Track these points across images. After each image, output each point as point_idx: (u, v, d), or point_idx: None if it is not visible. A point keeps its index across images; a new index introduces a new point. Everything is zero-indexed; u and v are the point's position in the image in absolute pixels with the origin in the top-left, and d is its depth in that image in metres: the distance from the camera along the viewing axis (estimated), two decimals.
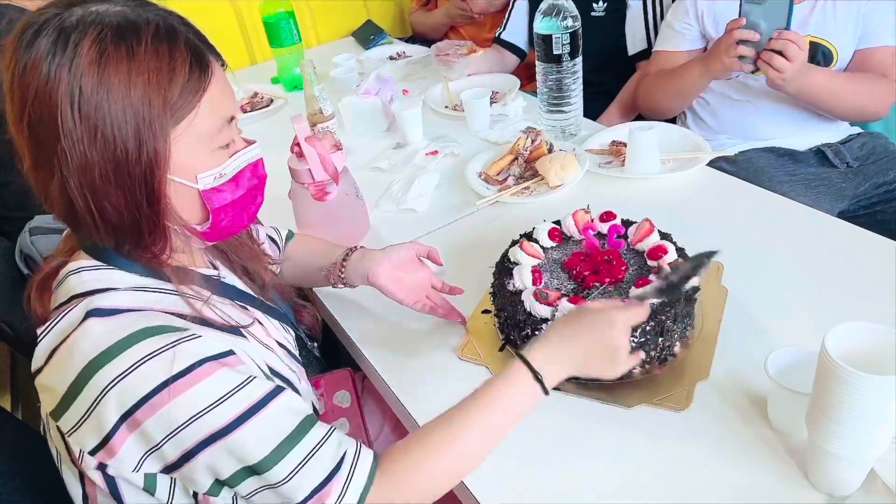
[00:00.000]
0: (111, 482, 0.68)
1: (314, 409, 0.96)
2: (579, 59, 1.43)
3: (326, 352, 1.14)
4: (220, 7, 2.33)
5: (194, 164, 0.71)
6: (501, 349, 0.96)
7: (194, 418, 0.63)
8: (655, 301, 0.80)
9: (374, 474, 0.69)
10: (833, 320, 0.65)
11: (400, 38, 2.45)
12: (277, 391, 0.69)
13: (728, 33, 1.33)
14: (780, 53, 1.26)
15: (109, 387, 0.62)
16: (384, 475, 0.69)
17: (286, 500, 0.67)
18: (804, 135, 1.50)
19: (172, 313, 0.69)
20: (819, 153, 1.50)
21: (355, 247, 1.04)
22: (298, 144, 1.13)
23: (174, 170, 0.70)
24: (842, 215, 1.34)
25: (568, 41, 1.38)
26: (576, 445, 0.80)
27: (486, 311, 1.03)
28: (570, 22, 1.37)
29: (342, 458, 0.68)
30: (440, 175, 1.44)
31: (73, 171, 0.65)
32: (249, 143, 0.79)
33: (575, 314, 0.77)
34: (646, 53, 1.78)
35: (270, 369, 0.78)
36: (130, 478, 0.67)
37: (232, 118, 0.74)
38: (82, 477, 0.72)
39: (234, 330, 0.76)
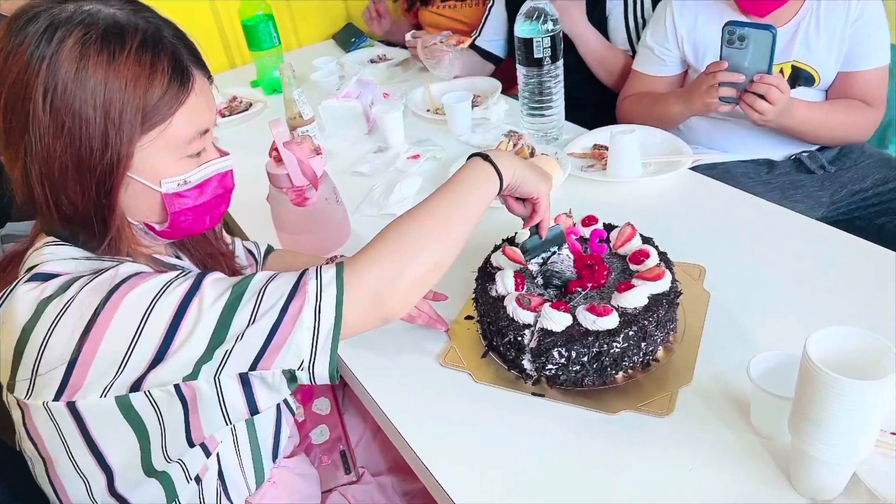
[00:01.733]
0: (82, 426, 0.66)
1: (291, 411, 0.95)
2: (560, 63, 1.43)
3: None
4: (198, 10, 2.30)
5: (161, 169, 0.73)
6: (484, 356, 0.95)
7: (148, 311, 0.64)
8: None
9: (342, 265, 0.70)
10: (815, 324, 0.65)
11: (381, 41, 2.43)
12: (206, 273, 0.70)
13: (709, 74, 1.32)
14: (761, 97, 1.26)
15: (50, 329, 0.63)
16: (355, 261, 0.71)
17: (266, 324, 0.66)
18: (782, 147, 1.51)
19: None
20: (796, 160, 1.51)
21: (334, 256, 1.03)
22: (277, 149, 1.11)
23: (139, 172, 0.71)
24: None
25: (549, 45, 1.38)
26: (560, 452, 0.79)
27: (468, 318, 1.02)
28: (550, 25, 1.37)
29: (301, 275, 0.70)
30: (422, 179, 1.42)
31: (35, 160, 0.67)
32: (223, 153, 0.80)
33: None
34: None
35: None
36: (102, 408, 0.65)
37: (206, 130, 0.75)
38: (42, 457, 0.71)
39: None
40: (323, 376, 0.69)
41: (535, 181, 0.85)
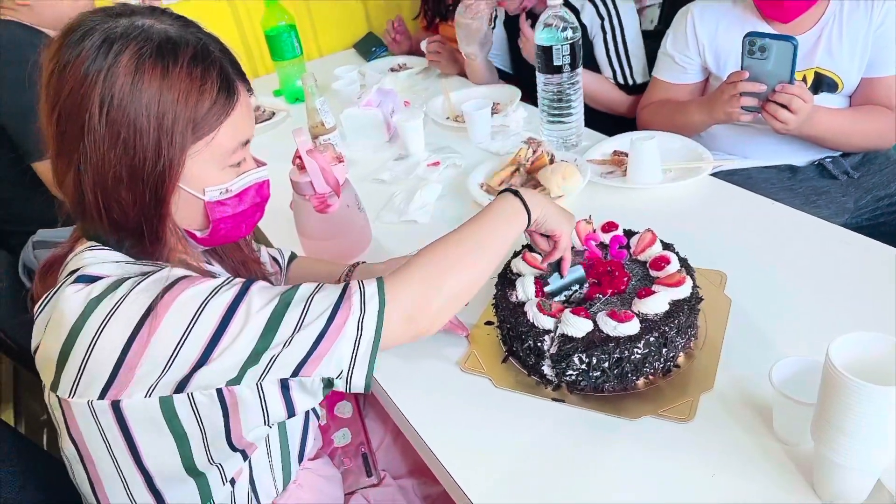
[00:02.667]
0: (124, 427, 0.68)
1: (316, 414, 0.97)
2: (580, 70, 1.44)
3: None
4: (222, 20, 2.35)
5: (205, 178, 0.76)
6: (504, 360, 0.95)
7: (199, 311, 0.66)
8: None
9: (383, 283, 0.73)
10: (837, 330, 0.65)
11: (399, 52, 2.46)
12: (252, 281, 0.72)
13: (731, 84, 1.32)
14: (783, 106, 1.26)
15: (101, 328, 0.65)
16: (394, 282, 0.74)
17: (312, 333, 0.68)
18: (805, 153, 1.50)
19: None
20: (819, 166, 1.49)
21: (357, 262, 1.05)
22: (300, 157, 1.13)
23: (185, 180, 0.74)
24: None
25: (568, 52, 1.39)
26: (580, 457, 0.80)
27: (488, 323, 1.03)
28: (569, 33, 1.38)
29: (346, 287, 0.72)
30: (442, 186, 1.44)
31: (89, 168, 0.69)
32: (260, 164, 0.84)
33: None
34: (624, 88, 1.78)
35: None
36: (146, 409, 0.67)
37: (247, 141, 0.79)
38: (82, 458, 0.73)
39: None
40: (359, 385, 0.71)
41: (558, 219, 0.89)
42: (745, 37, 1.27)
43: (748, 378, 0.85)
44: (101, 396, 0.66)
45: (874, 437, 0.61)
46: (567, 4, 1.73)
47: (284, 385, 0.70)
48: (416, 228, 1.32)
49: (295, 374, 0.69)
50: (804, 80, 1.41)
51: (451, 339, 1.01)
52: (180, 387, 0.66)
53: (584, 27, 1.74)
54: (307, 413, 0.93)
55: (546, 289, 0.94)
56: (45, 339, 0.69)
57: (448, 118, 1.78)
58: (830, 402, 0.61)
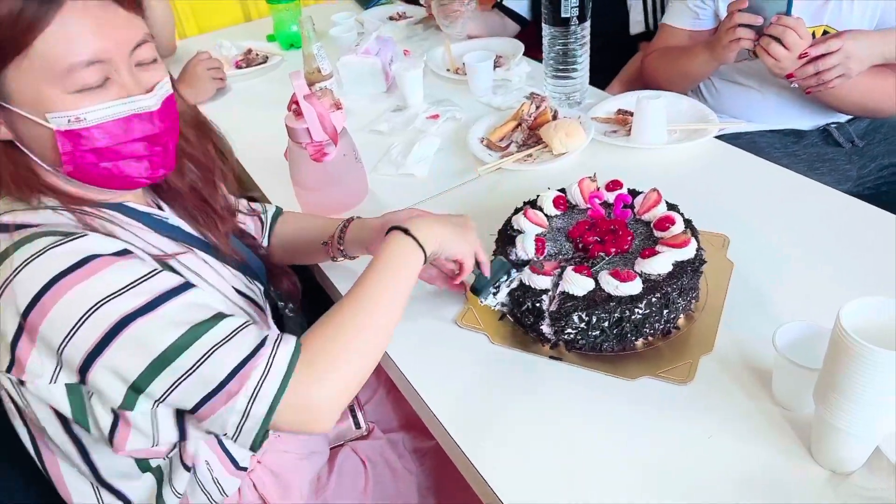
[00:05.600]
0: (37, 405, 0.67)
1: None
2: (587, 24, 1.39)
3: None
4: None
5: (42, 101, 0.66)
6: (501, 318, 0.94)
7: (89, 313, 0.61)
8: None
9: (296, 360, 0.66)
10: (838, 296, 0.64)
11: None
12: (187, 286, 0.67)
13: (729, 15, 1.28)
14: (778, 40, 1.21)
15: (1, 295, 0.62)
16: (305, 364, 0.67)
17: (202, 389, 0.64)
18: (811, 117, 1.47)
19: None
20: (824, 132, 1.47)
21: (351, 218, 1.00)
22: (296, 102, 1.09)
23: (18, 102, 0.66)
24: None
25: (576, 4, 1.34)
26: (576, 415, 0.79)
27: None
28: None
29: (262, 342, 0.66)
30: (441, 140, 1.40)
31: None
32: (150, 90, 0.72)
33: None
34: (646, 35, 1.74)
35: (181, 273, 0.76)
36: (51, 394, 0.66)
37: (99, 60, 0.67)
38: (23, 417, 0.73)
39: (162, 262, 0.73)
40: (245, 446, 0.68)
41: (457, 243, 0.83)
42: None
43: (748, 342, 0.84)
44: (8, 370, 0.65)
45: (878, 403, 0.60)
46: None
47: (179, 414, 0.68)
48: (414, 182, 1.29)
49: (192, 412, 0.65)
50: (813, 36, 1.37)
51: (448, 296, 0.99)
52: (78, 376, 0.65)
53: None
54: None
55: (473, 288, 0.90)
56: None
57: (448, 70, 1.73)
58: (837, 366, 0.61)
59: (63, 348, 0.62)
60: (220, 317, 0.67)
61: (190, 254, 0.79)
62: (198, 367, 0.63)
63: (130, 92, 0.70)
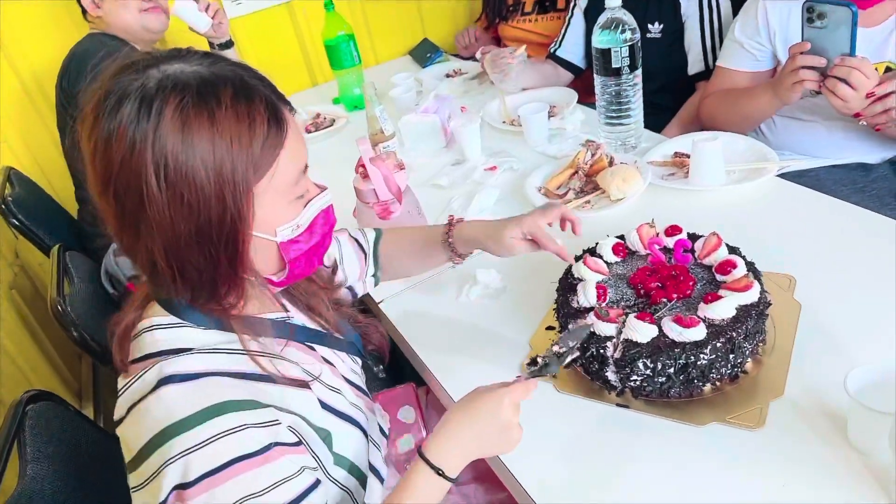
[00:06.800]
0: None
1: (382, 431, 0.98)
2: (639, 72, 1.43)
3: (390, 366, 1.17)
4: (283, 32, 2.42)
5: (274, 218, 0.72)
6: (567, 366, 0.95)
7: (248, 499, 0.65)
8: (542, 376, 0.81)
9: None
10: None
11: (455, 56, 2.48)
12: (314, 487, 0.71)
13: (792, 58, 1.28)
14: (844, 81, 1.21)
15: (177, 457, 0.64)
16: None
17: None
18: (878, 149, 1.44)
19: (242, 373, 0.71)
20: (894, 164, 1.43)
21: (450, 222, 1.07)
22: (363, 166, 1.16)
23: (256, 226, 0.71)
24: None
25: (627, 54, 1.38)
26: (645, 463, 0.80)
27: (549, 328, 1.04)
28: (628, 35, 1.37)
29: None
30: (499, 190, 1.45)
31: (157, 237, 0.66)
32: (322, 188, 0.79)
33: (467, 400, 0.77)
34: (704, 74, 1.75)
35: (335, 411, 0.81)
36: None
37: (306, 167, 0.75)
38: None
39: (301, 383, 0.78)
40: None
41: (490, 452, 0.79)
42: (803, 4, 1.23)
43: (820, 385, 0.83)
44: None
45: None
46: None
47: None
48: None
49: None
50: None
51: (511, 342, 1.02)
52: None
53: (678, 6, 1.74)
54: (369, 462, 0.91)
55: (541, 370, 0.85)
56: (130, 423, 0.69)
57: (504, 122, 1.79)
58: None
59: None
60: None
61: (321, 364, 0.84)
62: None
63: (315, 192, 0.78)
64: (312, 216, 0.77)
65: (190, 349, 0.71)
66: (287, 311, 0.87)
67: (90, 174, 0.68)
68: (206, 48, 1.93)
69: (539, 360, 0.83)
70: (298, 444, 0.73)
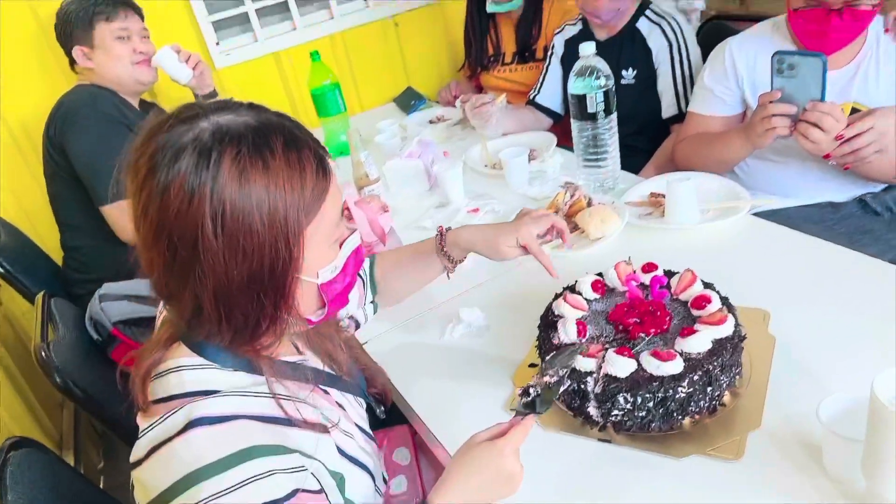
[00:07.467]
0: None
1: (383, 477, 0.98)
2: (614, 115, 1.48)
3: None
4: (270, 82, 2.49)
5: (317, 261, 0.74)
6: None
7: None
8: (539, 412, 0.81)
9: None
10: (885, 365, 0.65)
11: (438, 103, 2.55)
12: None
13: (762, 106, 1.33)
14: (815, 125, 1.26)
15: (205, 501, 0.64)
16: None
17: None
18: (846, 188, 1.49)
19: (268, 418, 0.72)
20: (861, 202, 1.48)
21: (442, 230, 1.11)
22: (348, 208, 1.19)
23: (302, 270, 0.73)
24: None
25: (602, 100, 1.43)
26: (628, 497, 0.80)
27: (532, 365, 1.05)
28: (602, 81, 1.43)
29: None
30: None
31: (209, 283, 0.67)
32: (352, 230, 0.81)
33: (465, 450, 0.78)
34: (678, 117, 1.82)
35: (349, 456, 0.82)
36: None
37: (344, 208, 0.79)
38: None
39: (320, 427, 0.78)
40: None
41: (495, 499, 0.78)
42: (773, 56, 1.28)
43: (796, 415, 0.84)
44: None
45: None
46: (633, 30, 1.82)
47: None
48: (459, 272, 1.35)
49: None
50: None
51: (495, 380, 1.03)
52: None
53: (650, 53, 1.81)
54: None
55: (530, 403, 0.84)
56: (152, 465, 0.68)
57: (486, 166, 1.83)
58: (877, 437, 0.62)
59: None
60: None
61: (336, 408, 0.85)
62: None
63: (347, 233, 0.80)
64: (346, 256, 0.79)
65: (218, 391, 0.71)
66: (301, 353, 0.87)
67: (140, 226, 0.68)
68: (191, 98, 1.98)
69: (531, 391, 0.83)
70: (320, 491, 0.73)
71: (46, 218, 1.97)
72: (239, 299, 0.69)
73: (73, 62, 1.82)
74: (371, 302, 1.13)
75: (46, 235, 2.08)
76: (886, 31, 1.39)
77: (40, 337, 1.22)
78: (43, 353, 1.15)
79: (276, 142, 0.68)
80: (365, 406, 0.98)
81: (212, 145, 0.66)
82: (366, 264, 1.14)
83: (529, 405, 0.82)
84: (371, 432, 0.95)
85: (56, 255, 1.95)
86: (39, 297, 1.37)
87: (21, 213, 2.19)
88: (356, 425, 0.89)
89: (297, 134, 0.71)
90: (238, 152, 0.66)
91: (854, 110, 1.42)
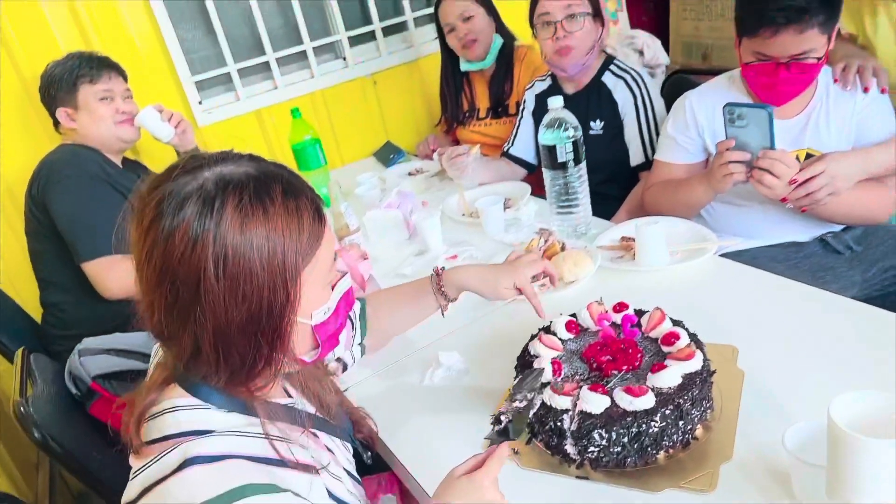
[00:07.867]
0: None
1: None
2: (583, 164, 1.54)
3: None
4: (252, 137, 2.54)
5: (312, 303, 0.77)
6: (528, 442, 0.98)
7: None
8: (513, 438, 0.84)
9: None
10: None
11: (416, 156, 2.62)
12: None
13: (719, 154, 1.41)
14: (768, 171, 1.33)
15: None
16: None
17: None
18: (808, 229, 1.56)
19: (261, 458, 0.73)
20: (822, 241, 1.54)
21: (436, 271, 1.16)
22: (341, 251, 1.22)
23: (298, 311, 0.75)
24: None
25: (571, 149, 1.50)
26: None
27: None
28: (571, 132, 1.50)
29: None
30: None
31: (208, 325, 0.70)
32: (343, 273, 0.85)
33: (446, 486, 0.80)
34: (646, 165, 1.89)
35: (338, 499, 0.82)
36: None
37: (336, 252, 0.81)
38: None
39: (312, 469, 0.79)
40: None
41: None
42: (724, 107, 1.36)
43: (766, 446, 0.87)
44: None
45: (880, 492, 0.63)
46: (599, 84, 1.91)
47: None
48: (437, 317, 1.38)
49: None
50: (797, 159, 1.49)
51: (474, 420, 1.04)
52: None
53: (616, 105, 1.90)
54: None
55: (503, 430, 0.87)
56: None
57: (463, 214, 1.88)
58: (838, 461, 0.64)
59: None
60: None
61: (325, 451, 0.86)
62: None
63: (338, 276, 0.83)
64: (338, 298, 0.82)
65: (213, 430, 0.72)
66: (290, 395, 0.89)
67: (143, 269, 0.71)
68: (174, 157, 2.02)
69: (503, 418, 0.85)
70: None
71: (25, 275, 1.97)
72: (237, 340, 0.71)
73: (56, 123, 1.85)
74: (359, 344, 1.15)
75: (25, 293, 2.08)
76: (835, 80, 1.48)
77: (19, 393, 1.21)
78: (21, 409, 1.15)
79: (275, 190, 0.72)
80: (352, 451, 0.98)
81: (215, 193, 0.69)
82: (356, 307, 1.15)
83: (503, 433, 0.83)
84: (358, 477, 0.95)
85: (35, 312, 1.94)
86: (19, 353, 1.37)
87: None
88: (344, 469, 0.90)
89: (295, 183, 0.75)
90: (240, 200, 0.69)
91: (808, 156, 1.50)
